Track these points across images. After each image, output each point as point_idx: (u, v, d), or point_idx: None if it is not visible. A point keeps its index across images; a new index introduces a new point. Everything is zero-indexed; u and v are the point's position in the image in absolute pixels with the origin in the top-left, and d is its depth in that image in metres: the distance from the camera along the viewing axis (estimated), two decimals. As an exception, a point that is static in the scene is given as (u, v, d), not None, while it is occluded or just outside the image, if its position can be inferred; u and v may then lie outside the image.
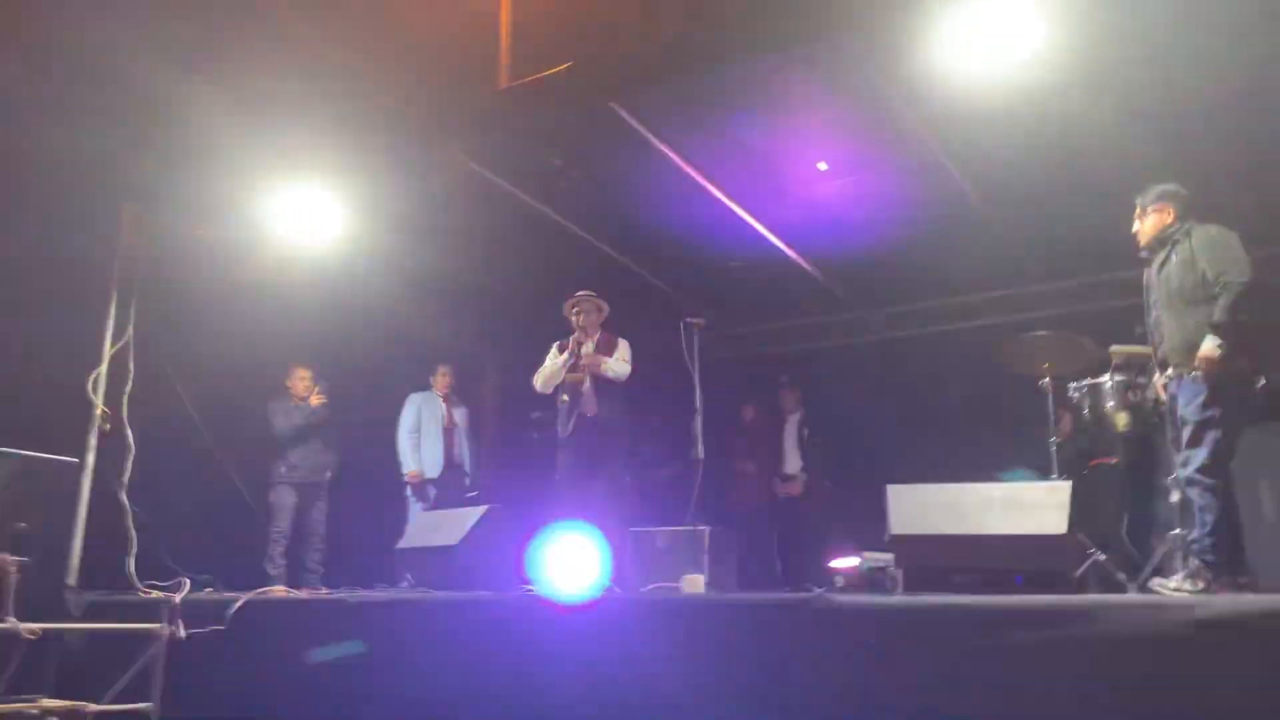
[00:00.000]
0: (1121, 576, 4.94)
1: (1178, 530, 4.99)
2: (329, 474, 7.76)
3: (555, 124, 6.18)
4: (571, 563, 5.52)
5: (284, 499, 7.53)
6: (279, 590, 6.50)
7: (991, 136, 5.86)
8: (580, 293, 6.62)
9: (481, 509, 5.67)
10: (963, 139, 5.95)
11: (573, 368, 6.40)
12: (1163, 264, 4.82)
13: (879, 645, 3.67)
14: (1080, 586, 4.84)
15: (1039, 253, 7.31)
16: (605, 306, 6.64)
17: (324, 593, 5.41)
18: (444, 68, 6.21)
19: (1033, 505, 4.22)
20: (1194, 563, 4.45)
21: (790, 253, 7.67)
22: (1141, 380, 5.20)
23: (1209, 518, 4.41)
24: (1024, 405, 6.79)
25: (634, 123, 6.00)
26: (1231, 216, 4.73)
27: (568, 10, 6.03)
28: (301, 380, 7.77)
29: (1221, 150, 5.15)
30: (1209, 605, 3.33)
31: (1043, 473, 5.58)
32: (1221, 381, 4.45)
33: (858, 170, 6.51)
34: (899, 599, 3.99)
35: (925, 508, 4.38)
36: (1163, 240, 4.86)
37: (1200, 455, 4.46)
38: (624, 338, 6.64)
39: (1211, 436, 4.45)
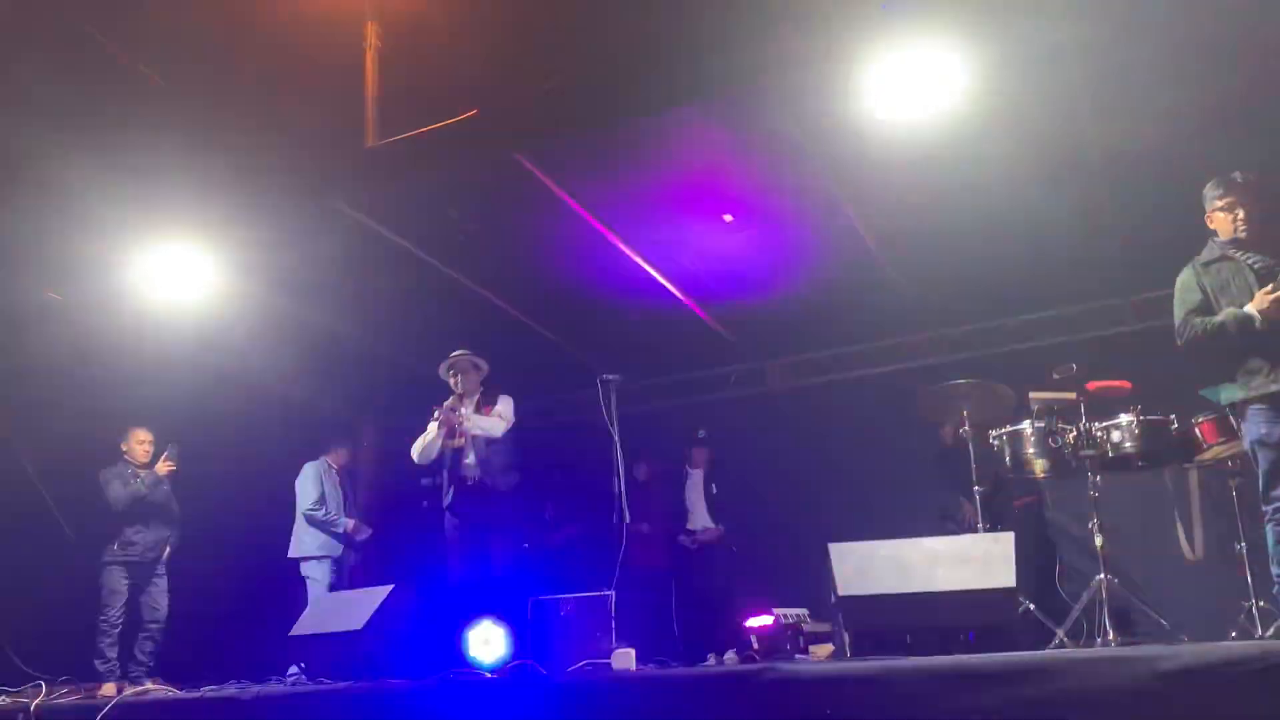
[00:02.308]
0: (1053, 627, 4.91)
1: (1101, 577, 5.00)
2: (168, 549, 6.97)
3: (451, 175, 5.91)
4: (482, 641, 5.18)
5: (116, 582, 6.70)
6: (109, 689, 5.79)
7: (896, 185, 5.86)
8: (454, 353, 6.26)
9: (384, 590, 5.23)
10: (866, 187, 5.93)
11: (449, 433, 6.07)
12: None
13: (836, 715, 3.47)
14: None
15: (941, 301, 7.36)
16: (483, 364, 6.29)
17: (205, 690, 4.83)
18: (319, 122, 5.92)
19: (979, 558, 4.10)
20: None
21: (692, 305, 7.51)
22: (1063, 426, 5.21)
23: None
24: (931, 451, 6.83)
25: (539, 172, 5.78)
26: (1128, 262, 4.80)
27: (442, 62, 5.81)
28: (141, 444, 6.95)
29: (1123, 200, 5.27)
30: (1174, 656, 3.25)
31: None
32: None
33: (762, 221, 6.41)
34: (855, 664, 3.79)
35: (870, 565, 4.20)
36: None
37: None
38: (509, 395, 6.28)
39: None
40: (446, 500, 6.06)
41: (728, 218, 6.34)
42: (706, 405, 8.89)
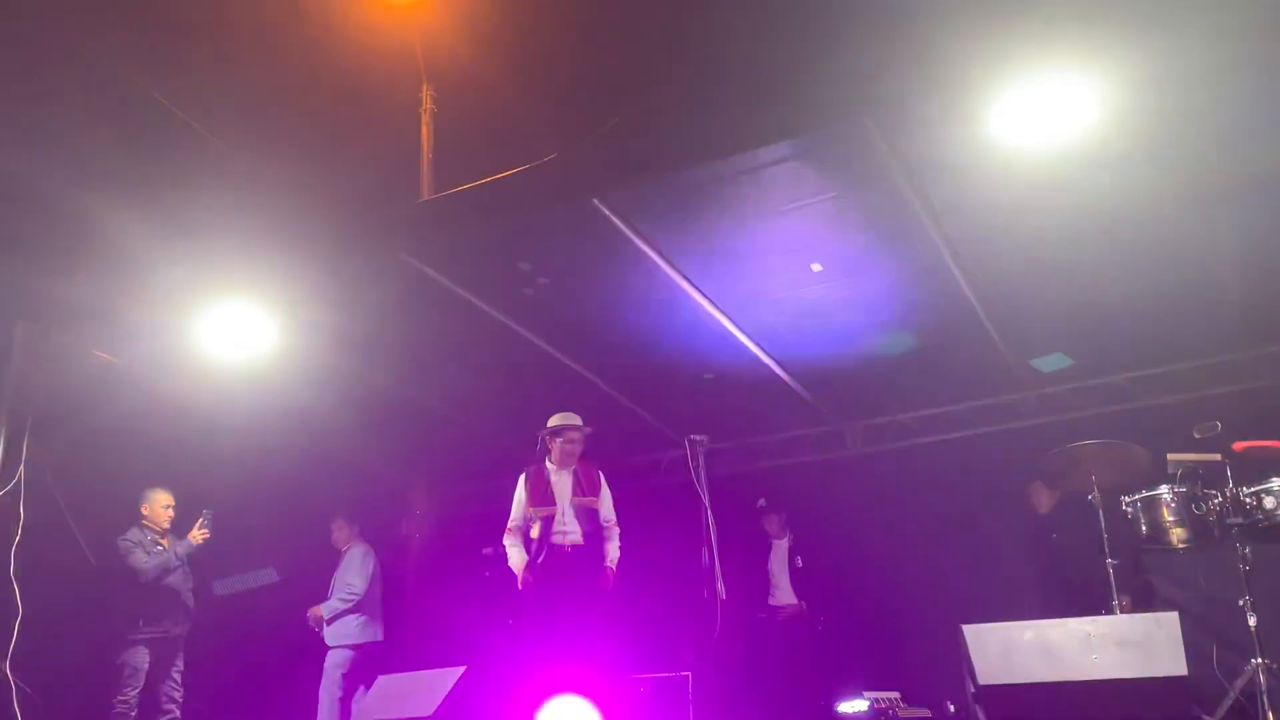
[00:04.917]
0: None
1: (1259, 660, 4.46)
2: (189, 625, 6.45)
3: (523, 224, 5.58)
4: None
5: (139, 660, 6.10)
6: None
7: (1004, 228, 5.44)
8: (567, 421, 5.74)
9: (457, 671, 4.80)
10: (971, 230, 5.50)
11: (539, 499, 5.62)
12: None
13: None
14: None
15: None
16: (588, 433, 5.83)
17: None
18: (381, 174, 5.70)
19: (1141, 642, 3.58)
20: None
21: (770, 361, 7.04)
22: (1206, 491, 4.68)
23: None
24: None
25: (615, 217, 5.41)
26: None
27: (497, 117, 5.59)
28: (165, 508, 6.43)
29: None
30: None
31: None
32: None
33: (851, 271, 5.98)
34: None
35: (1012, 650, 3.70)
36: None
37: None
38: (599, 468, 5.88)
39: None
40: (540, 558, 5.54)
41: (816, 267, 5.91)
42: (781, 470, 8.36)
